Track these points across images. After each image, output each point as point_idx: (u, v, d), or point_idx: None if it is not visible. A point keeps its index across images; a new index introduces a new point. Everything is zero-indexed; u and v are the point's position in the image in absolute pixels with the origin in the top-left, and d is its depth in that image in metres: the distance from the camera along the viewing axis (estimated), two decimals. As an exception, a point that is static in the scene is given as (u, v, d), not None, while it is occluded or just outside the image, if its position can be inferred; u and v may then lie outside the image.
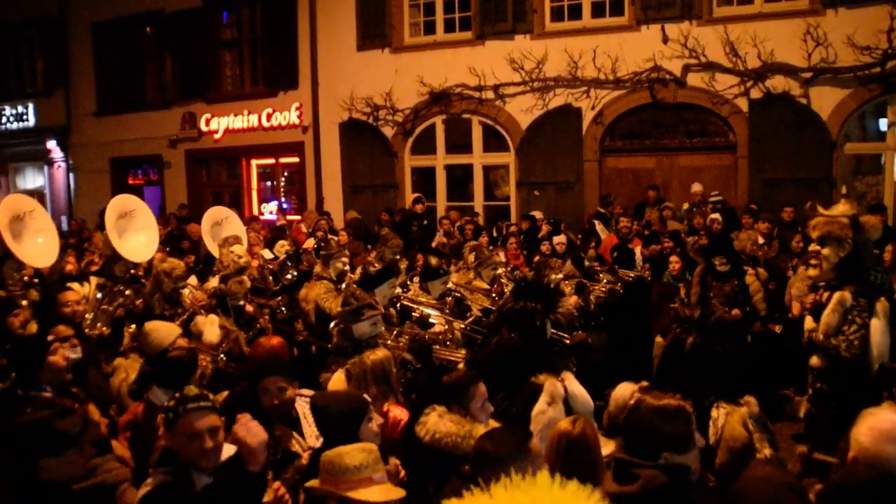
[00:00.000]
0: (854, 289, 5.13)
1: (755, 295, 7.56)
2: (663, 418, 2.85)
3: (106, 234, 7.30)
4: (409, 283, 7.31)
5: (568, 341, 5.66)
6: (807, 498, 2.38)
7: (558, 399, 3.80)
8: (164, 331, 4.95)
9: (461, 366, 4.72)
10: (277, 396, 3.65)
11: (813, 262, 5.52)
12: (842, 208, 5.36)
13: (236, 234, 7.86)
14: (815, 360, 5.40)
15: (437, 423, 3.47)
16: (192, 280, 7.80)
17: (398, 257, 8.23)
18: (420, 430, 3.49)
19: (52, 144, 18.42)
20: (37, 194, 19.20)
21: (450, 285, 6.86)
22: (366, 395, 3.51)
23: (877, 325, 5.05)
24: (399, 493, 2.87)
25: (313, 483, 2.87)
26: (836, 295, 5.16)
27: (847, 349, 5.03)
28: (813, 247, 5.48)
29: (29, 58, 18.74)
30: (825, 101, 11.15)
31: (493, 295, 7.00)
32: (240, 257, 7.19)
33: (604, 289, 7.90)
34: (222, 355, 5.68)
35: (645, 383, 3.65)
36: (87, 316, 5.92)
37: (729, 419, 3.44)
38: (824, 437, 5.03)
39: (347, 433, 3.13)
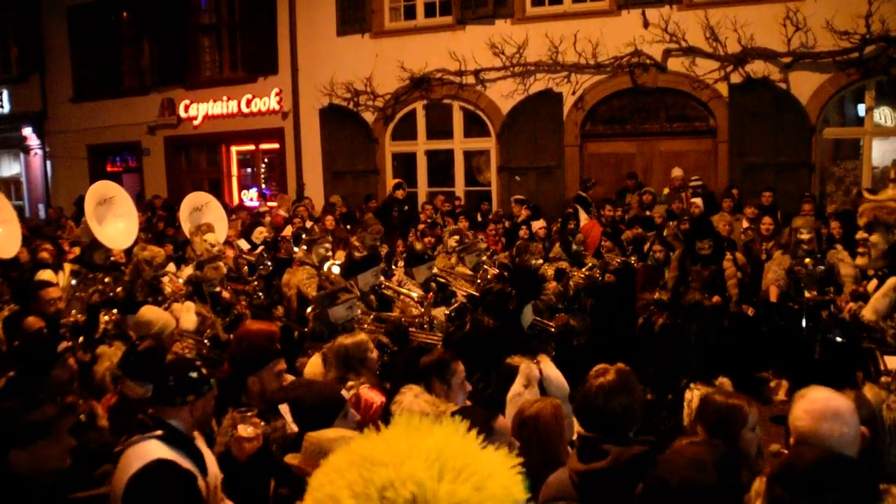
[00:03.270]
0: None
1: (729, 280, 7.59)
2: (609, 395, 2.84)
3: (85, 221, 7.20)
4: (393, 267, 7.30)
5: (553, 329, 5.68)
6: (727, 476, 2.40)
7: (534, 382, 3.81)
8: (164, 320, 4.95)
9: (439, 347, 4.72)
10: (280, 379, 3.69)
11: (860, 249, 5.37)
12: (890, 193, 5.24)
13: (210, 222, 7.80)
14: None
15: (412, 402, 3.48)
16: (171, 267, 7.74)
17: (378, 243, 8.21)
18: (395, 409, 3.50)
19: (27, 131, 18.13)
20: (13, 182, 19.02)
21: (434, 270, 6.85)
22: (343, 392, 3.48)
23: None
24: None
25: (293, 459, 2.86)
26: (892, 280, 5.05)
27: (894, 336, 4.96)
28: (860, 234, 5.34)
29: (2, 43, 18.41)
30: (804, 85, 11.20)
31: (478, 280, 7.00)
32: (213, 245, 7.13)
33: (583, 275, 7.91)
34: (206, 341, 5.67)
35: (620, 365, 3.66)
36: (60, 304, 5.85)
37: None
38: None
39: (320, 427, 3.10)
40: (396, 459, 1.14)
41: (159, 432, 2.91)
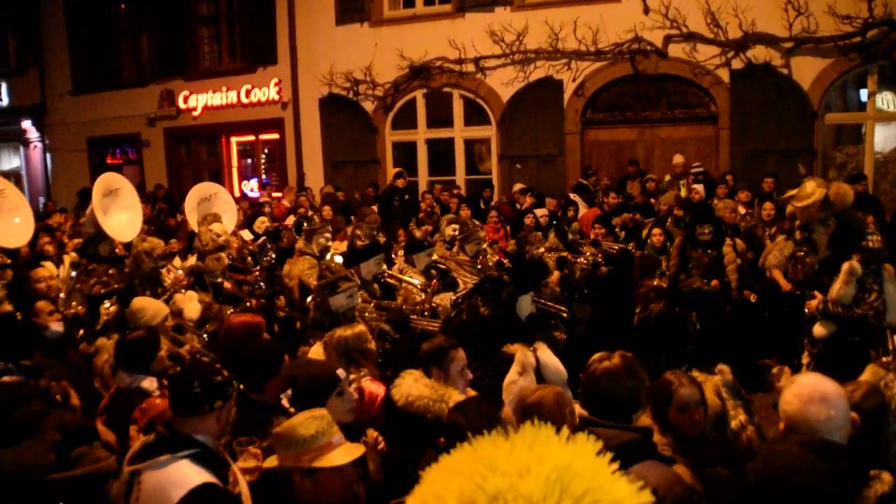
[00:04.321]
0: (859, 257, 5.13)
1: (728, 266, 7.57)
2: (615, 379, 2.83)
3: (89, 212, 7.21)
4: (394, 256, 7.29)
5: (566, 314, 5.67)
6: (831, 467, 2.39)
7: (529, 369, 3.79)
8: (154, 308, 4.92)
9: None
10: None
11: (801, 253, 5.54)
12: (810, 190, 5.33)
13: (217, 212, 7.80)
14: (821, 331, 5.35)
15: (412, 386, 3.47)
16: (176, 261, 7.74)
17: (376, 233, 8.19)
18: (395, 393, 3.49)
19: (27, 124, 18.11)
20: (13, 175, 18.97)
21: (434, 258, 6.84)
22: (340, 371, 3.46)
23: (890, 290, 5.09)
24: (360, 448, 2.86)
25: (271, 462, 2.81)
26: (845, 266, 5.15)
27: (875, 317, 5.04)
28: (798, 234, 5.47)
29: (1, 36, 18.36)
30: (806, 71, 11.13)
31: (479, 266, 6.98)
32: (219, 235, 7.12)
33: (586, 262, 7.89)
34: (205, 335, 5.66)
35: (619, 353, 3.64)
36: (60, 295, 5.85)
37: (702, 388, 3.43)
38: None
39: (314, 405, 3.09)
40: (514, 472, 1.07)
41: (188, 451, 2.71)
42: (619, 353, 2.94)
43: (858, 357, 4.84)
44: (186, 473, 2.65)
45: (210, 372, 2.89)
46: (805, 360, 5.62)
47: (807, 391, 2.70)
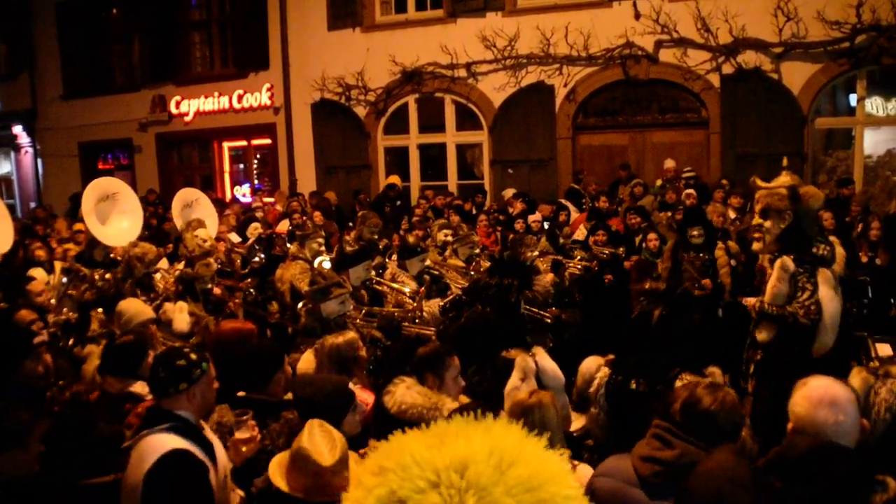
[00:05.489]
0: (794, 256, 5.09)
1: (721, 269, 7.59)
2: (728, 411, 2.77)
3: (84, 218, 7.19)
4: (386, 261, 7.30)
5: (549, 320, 5.67)
6: (755, 490, 2.37)
7: (530, 375, 3.79)
8: (134, 310, 4.90)
9: (434, 339, 4.70)
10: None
11: (756, 235, 5.48)
12: (782, 180, 5.31)
13: (200, 217, 7.79)
14: (763, 335, 5.29)
15: (405, 394, 3.47)
16: (164, 263, 7.71)
17: (376, 237, 8.20)
18: (388, 400, 3.49)
19: (17, 129, 18.01)
20: (4, 181, 18.93)
21: (427, 263, 6.85)
22: (351, 385, 3.47)
23: (826, 293, 5.03)
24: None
25: (279, 478, 2.89)
26: (777, 262, 5.12)
27: (805, 315, 4.98)
28: (755, 220, 5.43)
29: (-9, 41, 18.32)
30: (796, 76, 11.19)
31: (471, 272, 6.99)
32: (204, 241, 7.11)
33: (578, 266, 7.92)
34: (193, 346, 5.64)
35: (611, 356, 3.65)
36: (51, 301, 5.83)
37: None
38: (769, 410, 4.96)
39: (331, 422, 3.09)
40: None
41: (168, 424, 2.92)
42: (726, 387, 2.92)
43: (799, 362, 4.79)
44: (162, 441, 2.87)
45: (173, 357, 3.08)
46: (751, 368, 5.53)
47: (817, 394, 2.69)
